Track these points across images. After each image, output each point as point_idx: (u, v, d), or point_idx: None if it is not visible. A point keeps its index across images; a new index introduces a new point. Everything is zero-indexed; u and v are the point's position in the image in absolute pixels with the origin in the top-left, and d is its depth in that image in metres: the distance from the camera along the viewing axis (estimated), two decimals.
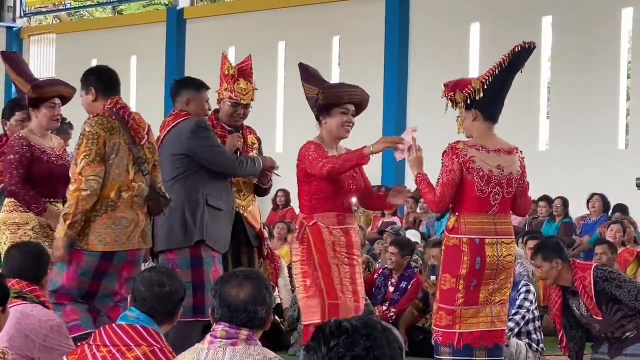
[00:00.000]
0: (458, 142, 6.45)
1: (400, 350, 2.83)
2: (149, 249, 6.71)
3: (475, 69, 17.58)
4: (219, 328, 3.90)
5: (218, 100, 7.40)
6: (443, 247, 6.56)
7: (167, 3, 29.85)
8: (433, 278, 8.66)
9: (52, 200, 6.96)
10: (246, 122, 7.48)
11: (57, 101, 7.12)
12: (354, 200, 6.70)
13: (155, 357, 4.22)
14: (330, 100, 6.60)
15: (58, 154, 7.09)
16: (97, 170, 6.20)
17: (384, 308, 9.63)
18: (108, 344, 4.24)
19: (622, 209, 14.03)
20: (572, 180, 16.11)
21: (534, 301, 8.46)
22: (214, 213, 6.88)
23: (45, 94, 7.06)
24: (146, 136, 6.44)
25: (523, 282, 8.59)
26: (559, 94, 17.39)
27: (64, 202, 6.54)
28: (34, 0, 27.05)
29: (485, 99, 6.40)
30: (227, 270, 6.67)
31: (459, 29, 18.40)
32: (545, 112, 17.72)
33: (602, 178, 15.69)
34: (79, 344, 4.60)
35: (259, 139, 7.60)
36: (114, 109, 6.34)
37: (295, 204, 16.19)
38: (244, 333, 3.88)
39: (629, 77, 17.05)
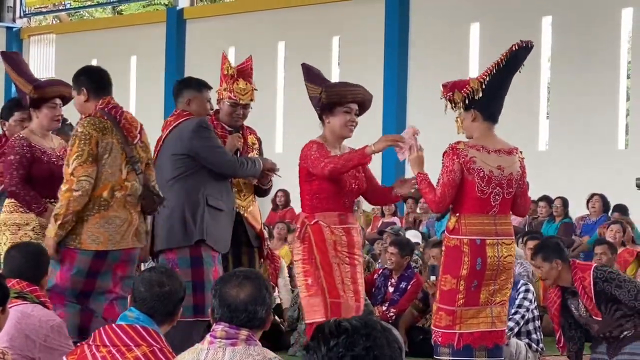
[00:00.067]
0: (458, 142, 6.45)
1: (400, 350, 2.83)
2: (148, 249, 6.72)
3: (475, 69, 17.55)
4: (219, 328, 3.90)
5: (217, 100, 7.41)
6: (443, 248, 6.56)
7: (166, 3, 29.84)
8: (433, 278, 8.66)
9: (53, 200, 6.95)
10: (246, 122, 7.48)
11: (58, 101, 7.12)
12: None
13: (155, 357, 4.22)
14: (333, 99, 6.59)
15: (58, 154, 7.08)
16: (89, 170, 6.20)
17: (384, 308, 9.63)
18: (108, 344, 4.24)
19: (621, 209, 14.01)
20: (571, 180, 16.10)
21: (533, 300, 8.47)
22: (214, 213, 6.87)
23: (47, 94, 7.06)
24: (138, 135, 6.44)
25: (522, 282, 8.59)
26: (558, 94, 17.38)
27: None
28: (34, 0, 27.03)
29: (484, 98, 6.40)
30: (227, 270, 6.66)
31: (459, 28, 18.39)
32: (545, 112, 17.71)
33: (602, 178, 15.68)
34: (78, 344, 4.60)
35: (259, 139, 7.60)
36: (106, 109, 6.34)
37: (294, 204, 16.24)
38: (244, 333, 3.89)
39: (628, 77, 17.04)
